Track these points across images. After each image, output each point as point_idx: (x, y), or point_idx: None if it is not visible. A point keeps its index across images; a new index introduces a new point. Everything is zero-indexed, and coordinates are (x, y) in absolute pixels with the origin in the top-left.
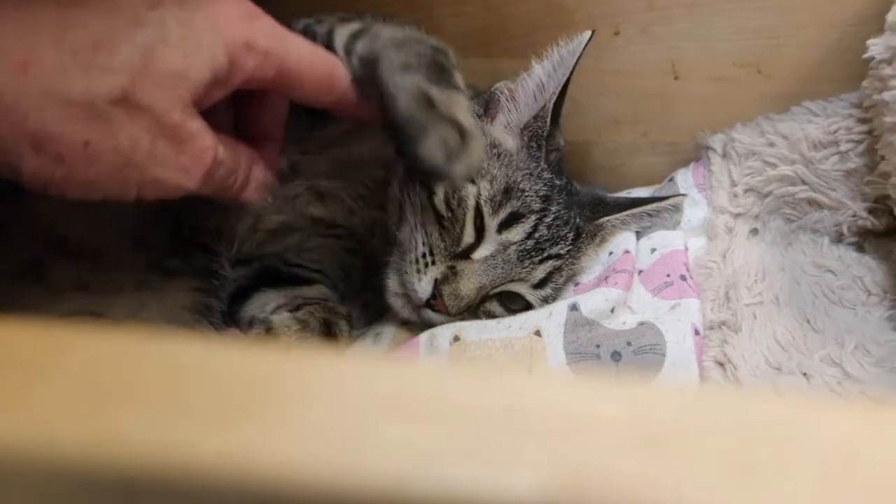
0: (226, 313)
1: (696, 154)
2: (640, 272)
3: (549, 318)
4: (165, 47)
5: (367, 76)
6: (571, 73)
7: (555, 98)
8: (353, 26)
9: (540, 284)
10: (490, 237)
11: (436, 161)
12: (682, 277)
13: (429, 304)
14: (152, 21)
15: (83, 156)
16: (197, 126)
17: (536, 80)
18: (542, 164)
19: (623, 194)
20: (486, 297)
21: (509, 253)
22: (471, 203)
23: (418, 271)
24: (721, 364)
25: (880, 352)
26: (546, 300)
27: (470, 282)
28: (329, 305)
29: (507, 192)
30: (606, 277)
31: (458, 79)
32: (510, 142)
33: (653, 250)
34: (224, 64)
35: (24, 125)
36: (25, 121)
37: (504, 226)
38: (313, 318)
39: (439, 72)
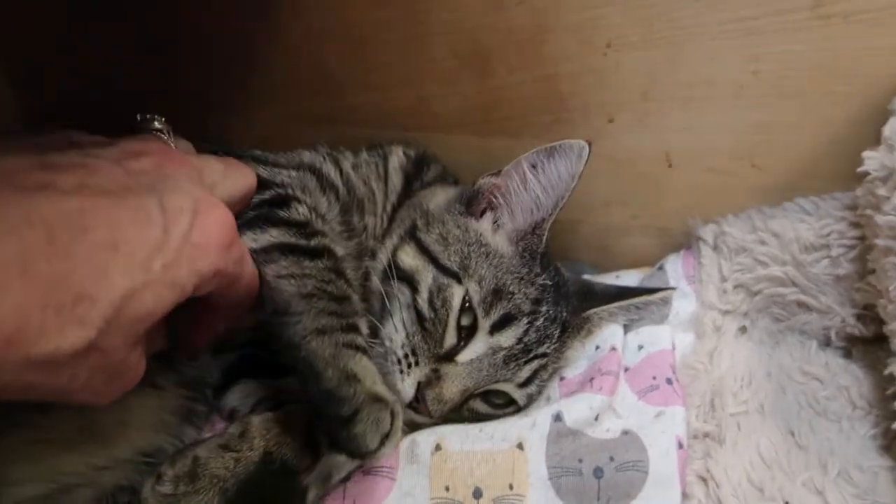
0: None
1: (685, 240)
2: (626, 370)
3: (533, 429)
4: (144, 291)
5: (273, 314)
6: (570, 193)
7: (552, 218)
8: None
9: (525, 383)
10: (481, 338)
11: (370, 444)
12: (668, 381)
13: (412, 405)
14: (140, 263)
15: (21, 392)
16: (135, 358)
17: (533, 197)
18: (535, 269)
19: (611, 276)
20: (469, 397)
21: (497, 357)
22: (455, 303)
23: (401, 372)
24: (704, 479)
25: (863, 480)
26: (531, 398)
27: (454, 385)
28: None
29: (498, 292)
30: (592, 379)
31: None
32: (502, 245)
33: (640, 347)
34: (188, 293)
35: None
36: None
37: (497, 327)
38: (296, 419)
39: (351, 330)
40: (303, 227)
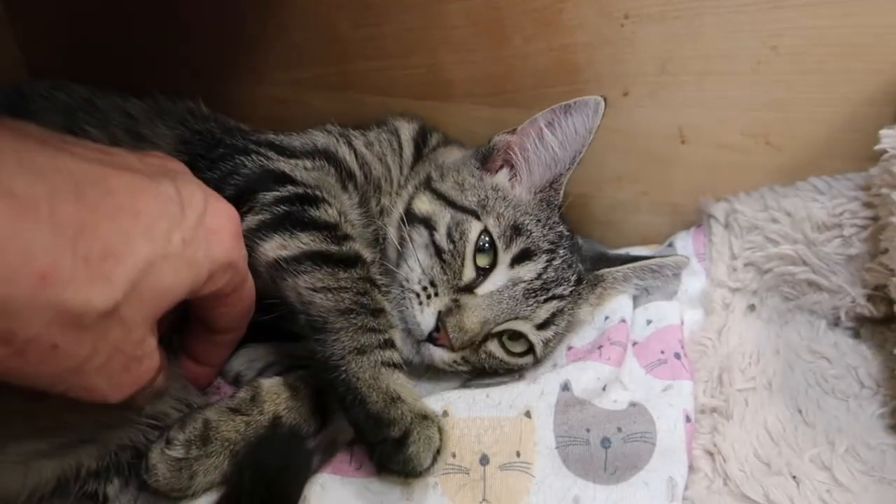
0: None
1: (696, 217)
2: (635, 344)
3: (541, 398)
4: (164, 263)
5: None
6: (587, 148)
7: (570, 173)
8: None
9: (544, 325)
10: (501, 271)
11: (424, 463)
12: (677, 356)
13: (431, 337)
14: (161, 234)
15: (44, 356)
16: (152, 345)
17: (551, 152)
18: (553, 217)
19: (622, 252)
20: (488, 336)
21: (517, 290)
22: (472, 236)
23: (420, 303)
24: (710, 454)
25: (871, 457)
26: (547, 344)
27: (474, 315)
28: None
29: (517, 229)
30: (600, 346)
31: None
32: (520, 194)
33: (648, 322)
34: (203, 280)
35: (8, 324)
36: (12, 321)
37: (517, 260)
38: (305, 385)
39: (388, 347)
40: (333, 230)
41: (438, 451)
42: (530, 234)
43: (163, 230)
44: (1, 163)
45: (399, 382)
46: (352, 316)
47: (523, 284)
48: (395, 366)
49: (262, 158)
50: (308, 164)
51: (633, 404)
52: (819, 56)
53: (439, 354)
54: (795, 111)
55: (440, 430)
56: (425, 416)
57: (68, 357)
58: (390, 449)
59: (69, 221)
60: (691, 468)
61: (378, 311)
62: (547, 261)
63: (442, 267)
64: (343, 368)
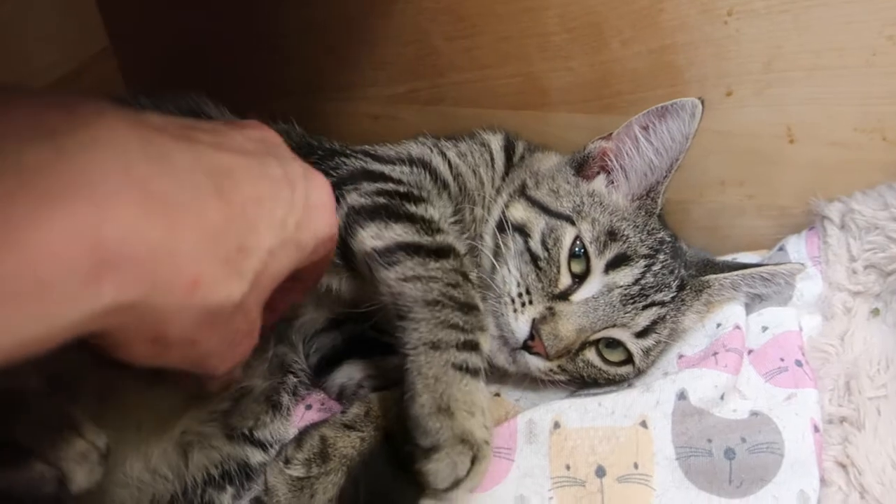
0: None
1: (806, 220)
2: (750, 352)
3: (656, 407)
4: (281, 250)
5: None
6: (684, 155)
7: (667, 181)
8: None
9: (643, 333)
10: (596, 277)
11: (439, 484)
12: (798, 363)
13: (526, 345)
14: (279, 221)
15: (185, 350)
16: (258, 322)
17: (647, 160)
18: (651, 223)
19: (727, 258)
20: (585, 344)
21: (613, 296)
22: (566, 242)
23: (515, 311)
24: (843, 465)
25: None
26: (648, 353)
27: (569, 322)
28: None
29: (612, 234)
30: (715, 353)
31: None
32: (617, 200)
33: (764, 329)
34: (306, 255)
35: (160, 327)
36: (166, 326)
37: (612, 266)
38: None
39: (467, 348)
40: (427, 224)
41: (462, 480)
42: (626, 238)
43: (281, 216)
44: (148, 167)
45: (463, 391)
46: (437, 308)
47: (619, 290)
48: (469, 371)
49: (361, 161)
50: (406, 169)
51: (754, 413)
52: None
53: (534, 363)
54: None
55: (474, 461)
56: (464, 440)
57: (202, 348)
58: (417, 453)
59: (212, 223)
60: (823, 481)
61: (469, 307)
62: (645, 266)
63: (537, 274)
64: (411, 359)
